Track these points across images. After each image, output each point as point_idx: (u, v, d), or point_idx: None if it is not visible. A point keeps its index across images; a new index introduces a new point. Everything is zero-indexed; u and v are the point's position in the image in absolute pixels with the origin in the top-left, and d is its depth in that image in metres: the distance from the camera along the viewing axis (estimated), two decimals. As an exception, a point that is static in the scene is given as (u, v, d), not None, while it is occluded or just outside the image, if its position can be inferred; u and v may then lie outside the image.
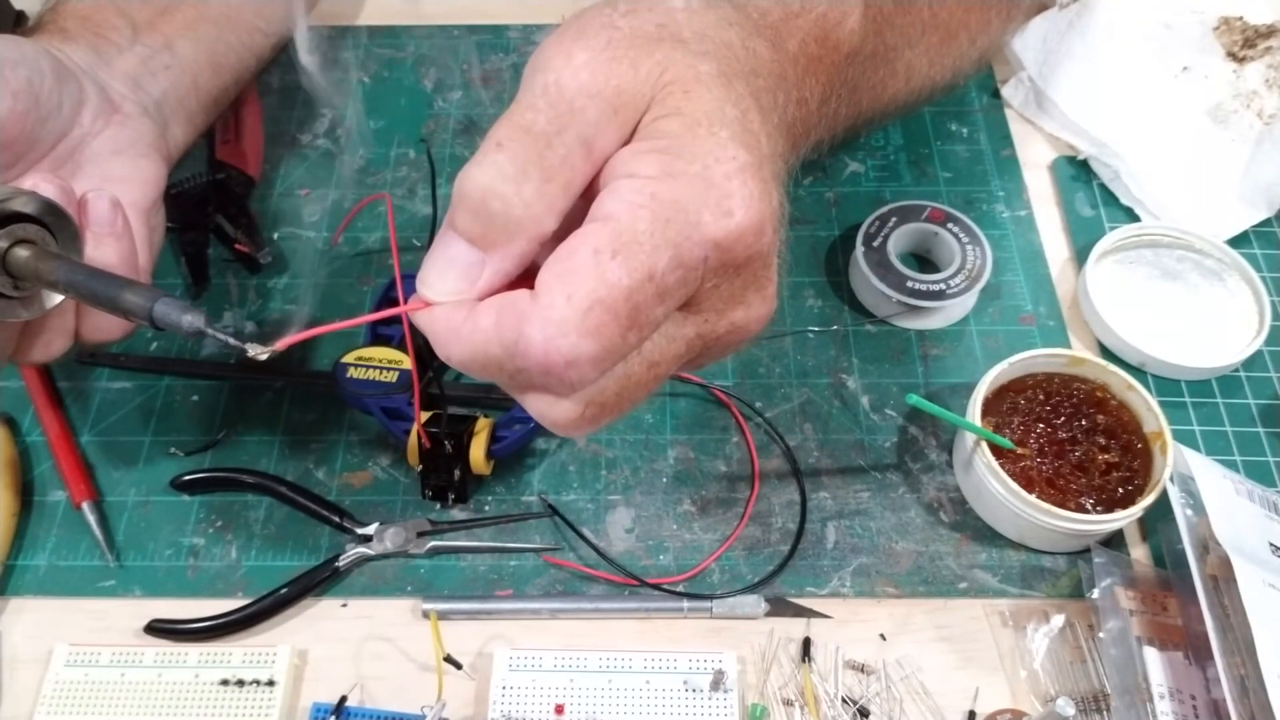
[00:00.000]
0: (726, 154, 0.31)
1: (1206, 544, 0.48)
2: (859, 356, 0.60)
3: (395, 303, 0.55)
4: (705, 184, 0.31)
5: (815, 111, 0.46)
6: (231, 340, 0.35)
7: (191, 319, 0.35)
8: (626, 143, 0.32)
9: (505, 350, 0.31)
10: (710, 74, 0.33)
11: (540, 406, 0.33)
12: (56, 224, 0.41)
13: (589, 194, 0.32)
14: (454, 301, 0.32)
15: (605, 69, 0.31)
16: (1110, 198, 0.67)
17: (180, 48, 0.56)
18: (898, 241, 0.61)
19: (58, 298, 0.41)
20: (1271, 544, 0.49)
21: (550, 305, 0.30)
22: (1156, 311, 0.61)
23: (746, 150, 0.32)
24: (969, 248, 0.61)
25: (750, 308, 0.35)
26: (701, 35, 0.34)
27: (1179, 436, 0.54)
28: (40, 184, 0.41)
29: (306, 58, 0.38)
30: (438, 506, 0.55)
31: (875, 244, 0.61)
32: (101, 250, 0.43)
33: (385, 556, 0.53)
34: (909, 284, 0.59)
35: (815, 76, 0.44)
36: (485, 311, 0.32)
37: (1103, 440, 0.53)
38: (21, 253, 0.39)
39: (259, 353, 0.34)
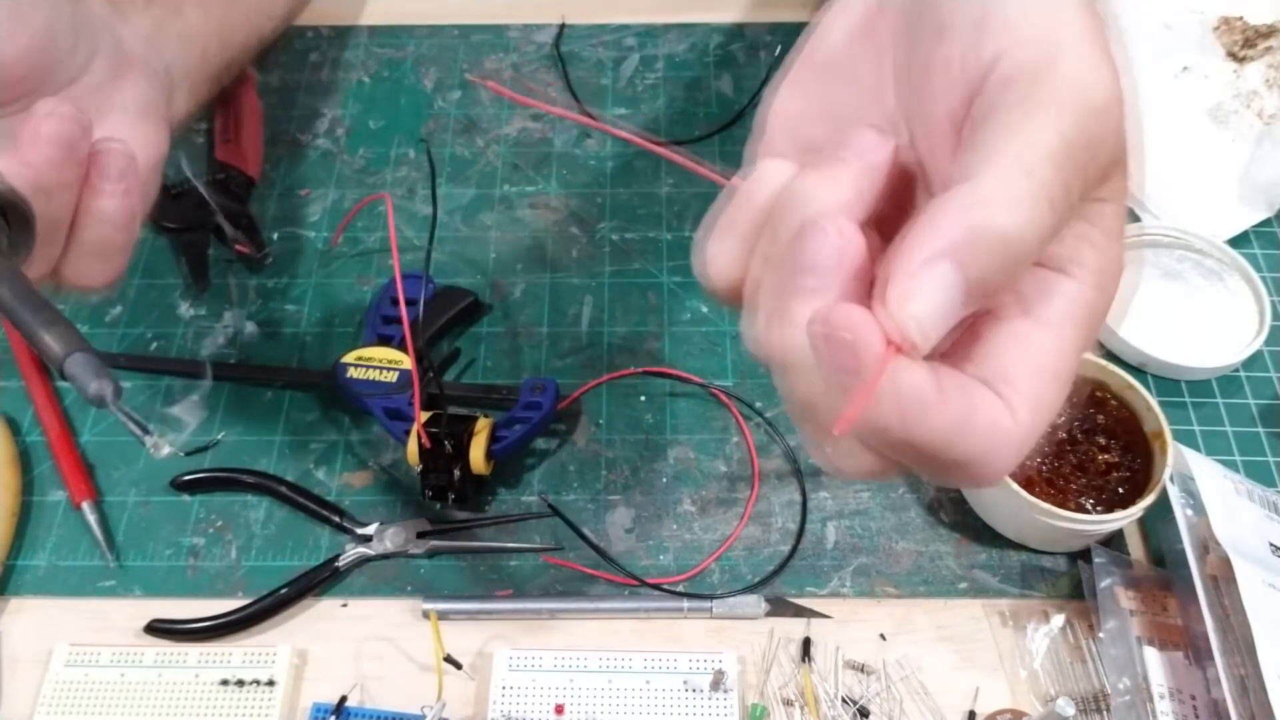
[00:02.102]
0: (1118, 267, 0.29)
1: (1206, 544, 0.48)
2: (859, 356, 0.60)
3: (396, 303, 0.55)
4: (1106, 298, 0.29)
5: None
6: (133, 426, 0.33)
7: (99, 386, 0.33)
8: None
9: (956, 458, 0.26)
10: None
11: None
12: (13, 216, 0.38)
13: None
14: (928, 364, 0.25)
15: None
16: (1110, 198, 0.67)
17: (190, 16, 0.55)
18: (898, 241, 0.61)
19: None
20: (1271, 544, 0.49)
21: (1024, 440, 0.26)
22: (1156, 311, 0.61)
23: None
24: (969, 248, 0.60)
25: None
26: None
27: (1179, 436, 0.54)
28: (57, 108, 0.40)
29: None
30: (438, 506, 0.55)
31: (875, 244, 0.61)
32: (102, 202, 0.42)
33: (385, 556, 0.53)
34: (909, 284, 0.59)
35: None
36: (958, 400, 0.25)
37: (1103, 440, 0.53)
38: None
39: (158, 448, 0.33)
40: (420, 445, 0.52)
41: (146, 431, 0.33)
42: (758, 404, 0.58)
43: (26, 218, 0.38)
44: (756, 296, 0.29)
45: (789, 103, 0.33)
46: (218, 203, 0.63)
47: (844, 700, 0.48)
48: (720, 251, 0.30)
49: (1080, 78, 0.26)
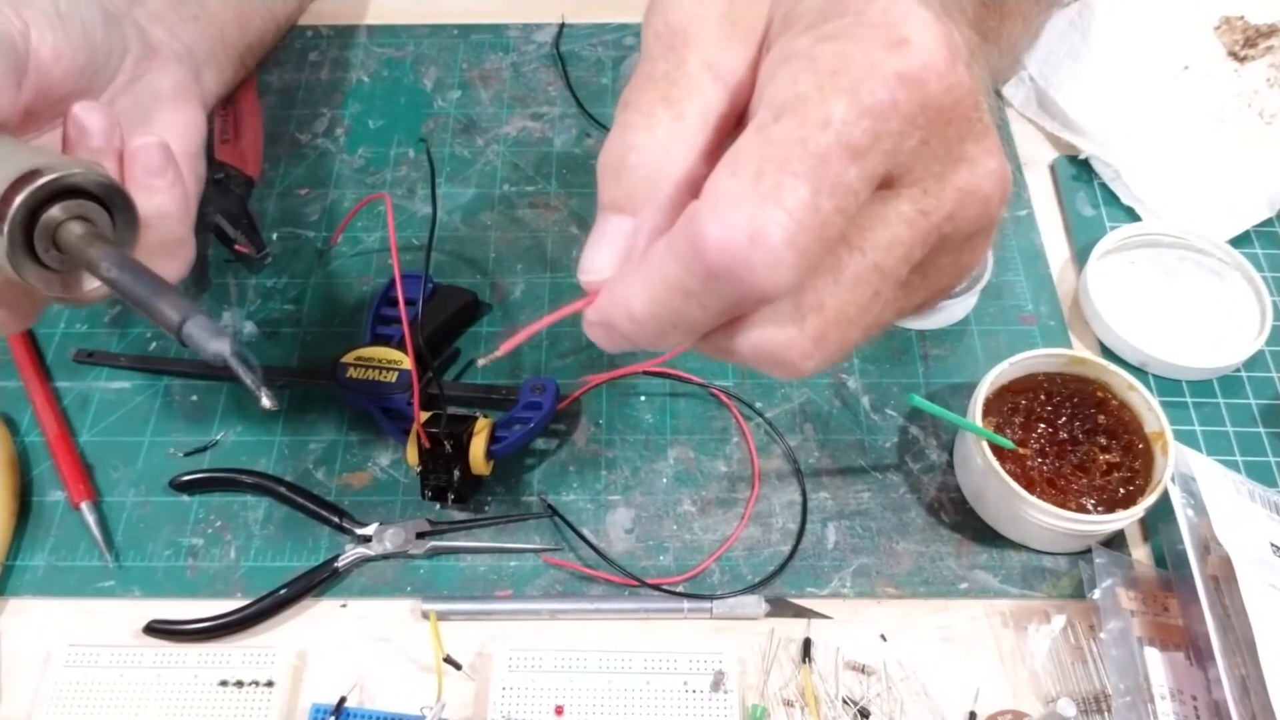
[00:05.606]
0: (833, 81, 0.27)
1: (1207, 544, 0.48)
2: (859, 356, 0.60)
3: (395, 303, 0.55)
4: (866, 28, 0.27)
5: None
6: (250, 381, 0.34)
7: (218, 346, 0.34)
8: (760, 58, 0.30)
9: (683, 264, 0.26)
10: None
11: (756, 339, 0.29)
12: (118, 207, 0.39)
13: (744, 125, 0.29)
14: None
15: None
16: (1111, 197, 0.67)
17: (207, 1, 0.57)
18: (898, 241, 0.61)
19: (96, 283, 0.40)
20: (1272, 544, 0.49)
21: (715, 188, 0.26)
22: (1157, 311, 0.61)
23: None
24: (969, 247, 0.60)
25: (975, 164, 0.29)
26: None
27: (1180, 436, 0.54)
28: (89, 111, 0.40)
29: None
30: (437, 506, 0.55)
31: (876, 244, 0.61)
32: (155, 199, 0.42)
33: (385, 557, 0.53)
34: (909, 284, 0.59)
35: None
36: (651, 247, 0.28)
37: (1104, 440, 0.53)
38: (76, 229, 0.37)
39: (271, 400, 0.34)
40: (420, 445, 0.52)
41: (260, 385, 0.34)
42: (758, 404, 0.58)
43: (128, 208, 0.39)
44: None
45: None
46: (218, 204, 0.63)
47: (844, 701, 0.48)
48: None
49: None
